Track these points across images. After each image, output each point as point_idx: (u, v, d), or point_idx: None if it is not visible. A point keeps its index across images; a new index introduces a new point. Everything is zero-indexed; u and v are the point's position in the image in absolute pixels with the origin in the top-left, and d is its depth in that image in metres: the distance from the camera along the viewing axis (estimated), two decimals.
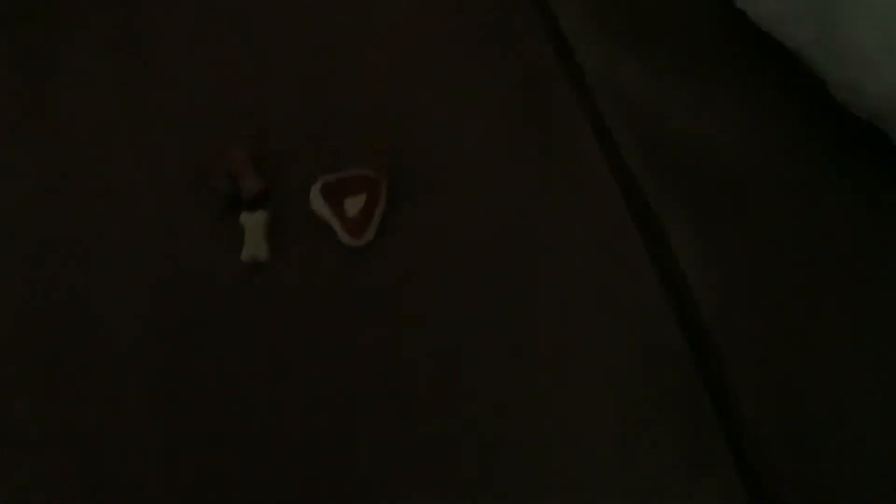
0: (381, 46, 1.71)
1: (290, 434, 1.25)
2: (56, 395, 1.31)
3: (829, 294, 1.26)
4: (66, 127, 1.63)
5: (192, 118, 1.61)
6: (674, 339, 1.29)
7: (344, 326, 1.34)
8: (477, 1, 1.75)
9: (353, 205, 1.39)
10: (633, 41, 1.58)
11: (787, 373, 1.20)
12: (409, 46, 1.70)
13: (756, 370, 1.22)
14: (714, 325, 1.28)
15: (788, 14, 1.39)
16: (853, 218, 1.32)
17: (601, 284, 1.36)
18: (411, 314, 1.35)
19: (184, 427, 1.27)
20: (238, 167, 1.47)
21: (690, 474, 1.19)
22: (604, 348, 1.30)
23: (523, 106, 1.59)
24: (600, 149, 1.52)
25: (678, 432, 1.22)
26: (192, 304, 1.38)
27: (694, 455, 1.20)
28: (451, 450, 1.23)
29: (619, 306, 1.34)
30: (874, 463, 1.12)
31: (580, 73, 1.59)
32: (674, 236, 1.36)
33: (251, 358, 1.33)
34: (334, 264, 1.40)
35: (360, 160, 1.47)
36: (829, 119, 1.39)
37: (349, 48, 1.71)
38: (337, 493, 1.21)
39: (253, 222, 1.42)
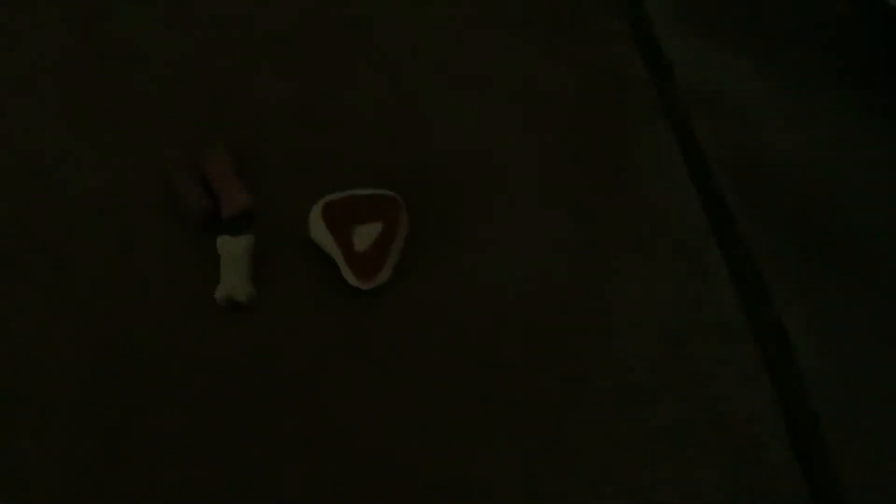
0: (404, 29, 1.38)
1: None
2: None
3: None
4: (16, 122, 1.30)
5: (161, 114, 1.28)
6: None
7: (343, 395, 1.03)
8: None
9: (365, 235, 1.07)
10: (729, 37, 1.26)
11: None
12: (441, 29, 1.36)
13: None
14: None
15: None
16: None
17: (679, 370, 1.04)
18: (430, 387, 1.03)
19: None
20: (217, 177, 1.15)
21: None
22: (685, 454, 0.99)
23: (590, 114, 1.26)
24: (688, 173, 1.20)
25: None
26: (149, 355, 1.06)
27: None
28: None
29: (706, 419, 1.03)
30: None
31: (667, 72, 1.27)
32: (779, 296, 1.06)
33: (220, 429, 1.01)
34: (335, 313, 1.09)
35: (374, 178, 1.14)
36: None
37: (362, 30, 1.38)
38: None
39: (232, 250, 1.10)
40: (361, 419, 1.02)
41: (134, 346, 1.07)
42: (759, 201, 1.18)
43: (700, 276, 1.12)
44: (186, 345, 1.07)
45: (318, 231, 1.09)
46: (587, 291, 1.11)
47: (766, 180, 1.20)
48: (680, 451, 1.00)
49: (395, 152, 1.22)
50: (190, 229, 1.14)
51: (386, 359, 1.05)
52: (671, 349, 1.07)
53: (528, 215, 1.16)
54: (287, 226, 1.14)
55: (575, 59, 1.33)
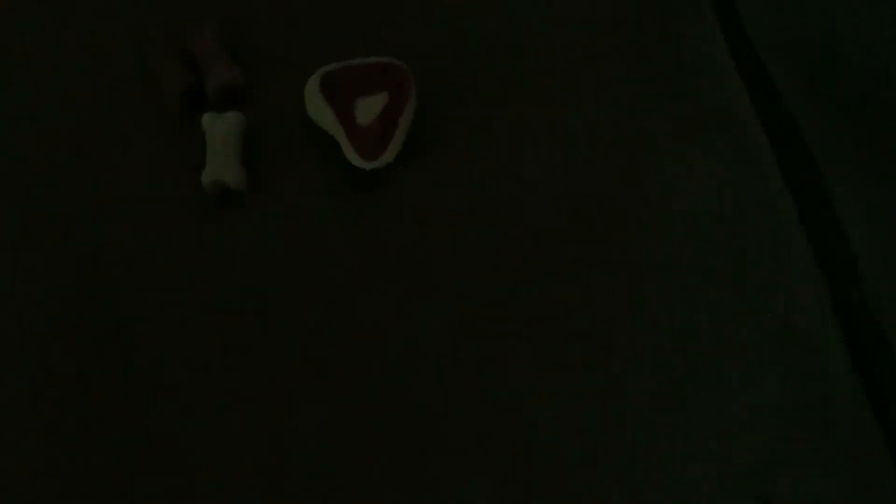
0: None
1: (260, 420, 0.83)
2: None
3: None
4: None
5: None
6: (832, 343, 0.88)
7: (345, 292, 0.91)
8: None
9: (369, 108, 0.94)
10: None
11: None
12: None
13: None
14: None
15: None
16: None
17: (727, 268, 0.92)
18: (439, 277, 0.92)
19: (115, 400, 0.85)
20: (202, 53, 1.02)
21: None
22: (730, 357, 0.88)
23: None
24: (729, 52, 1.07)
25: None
26: (130, 247, 0.94)
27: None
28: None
29: (757, 301, 0.90)
30: None
31: None
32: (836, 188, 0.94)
33: (209, 328, 0.90)
34: (335, 197, 0.96)
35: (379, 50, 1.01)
36: None
37: None
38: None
39: (219, 129, 0.98)
40: (368, 318, 0.90)
41: (117, 243, 0.95)
42: (810, 82, 1.05)
43: (746, 165, 0.99)
44: (172, 241, 0.95)
45: (316, 105, 0.96)
46: (621, 185, 0.97)
47: (818, 59, 1.07)
48: (729, 351, 0.89)
49: (408, 27, 1.07)
50: (174, 115, 1.01)
51: (391, 254, 0.93)
52: (716, 245, 0.95)
53: (558, 104, 1.03)
54: (281, 104, 1.01)
55: None
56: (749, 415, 0.85)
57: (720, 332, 0.89)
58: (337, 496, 0.80)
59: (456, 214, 0.95)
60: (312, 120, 0.98)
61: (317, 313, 0.91)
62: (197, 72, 1.02)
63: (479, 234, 0.94)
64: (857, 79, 1.06)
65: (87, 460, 0.83)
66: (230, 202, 0.96)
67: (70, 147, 1.00)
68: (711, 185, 0.97)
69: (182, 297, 0.93)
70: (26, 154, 1.01)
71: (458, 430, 0.83)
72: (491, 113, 1.01)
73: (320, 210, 0.96)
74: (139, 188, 0.97)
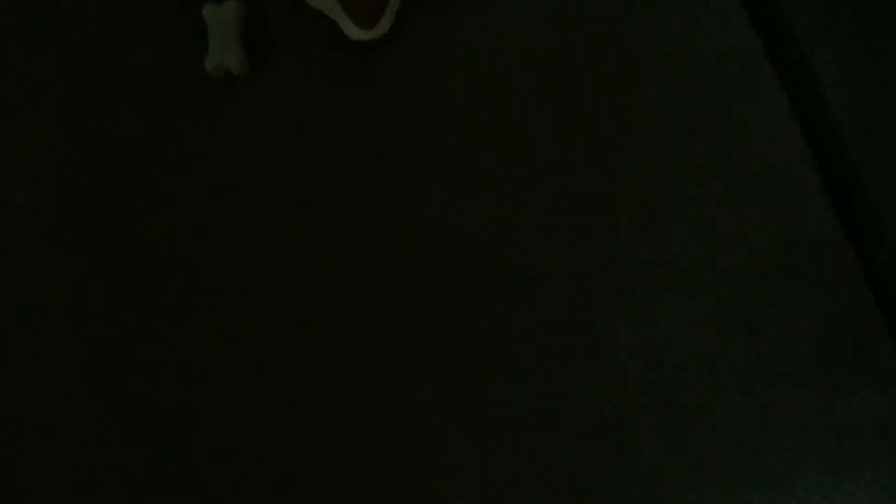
0: None
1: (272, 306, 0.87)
2: None
3: None
4: None
5: None
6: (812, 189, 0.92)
7: (347, 157, 0.95)
8: None
9: None
10: None
11: None
12: None
13: None
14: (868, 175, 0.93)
15: None
16: None
17: (708, 113, 0.95)
18: (442, 144, 0.95)
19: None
20: None
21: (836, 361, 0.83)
22: (719, 222, 0.92)
23: None
24: None
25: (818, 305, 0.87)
26: (136, 134, 0.98)
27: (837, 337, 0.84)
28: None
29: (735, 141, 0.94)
30: None
31: None
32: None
33: (217, 209, 0.94)
34: (334, 73, 0.99)
35: None
36: None
37: None
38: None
39: (221, 17, 1.00)
40: (376, 195, 0.94)
41: (126, 127, 0.99)
42: None
43: (719, 21, 1.02)
44: (180, 122, 0.99)
45: None
46: (607, 44, 1.01)
47: None
48: (713, 191, 0.93)
49: None
50: (177, 6, 1.04)
51: (388, 121, 0.97)
52: (697, 92, 0.98)
53: None
54: None
55: None
56: (734, 248, 0.90)
57: (705, 173, 0.93)
58: None
59: (449, 79, 0.98)
60: (308, 3, 1.01)
61: (321, 185, 0.95)
62: None
63: (471, 98, 0.97)
64: None
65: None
66: (233, 84, 1.00)
67: (78, 38, 1.04)
68: (690, 37, 1.00)
69: (194, 178, 0.97)
70: (32, 44, 1.05)
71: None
72: None
73: (321, 86, 0.99)
74: (147, 75, 1.00)
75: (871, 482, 0.80)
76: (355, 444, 0.84)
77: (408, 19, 0.99)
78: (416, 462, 0.83)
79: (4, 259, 0.95)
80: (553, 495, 0.82)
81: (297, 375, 0.87)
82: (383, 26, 0.96)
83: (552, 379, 0.85)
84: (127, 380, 0.88)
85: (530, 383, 0.85)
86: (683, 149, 0.94)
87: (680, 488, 0.81)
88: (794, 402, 0.84)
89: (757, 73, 0.98)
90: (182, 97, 1.00)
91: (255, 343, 0.89)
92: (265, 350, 0.88)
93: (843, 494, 0.80)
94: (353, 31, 0.96)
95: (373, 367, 0.86)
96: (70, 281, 0.93)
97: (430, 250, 0.91)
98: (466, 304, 0.88)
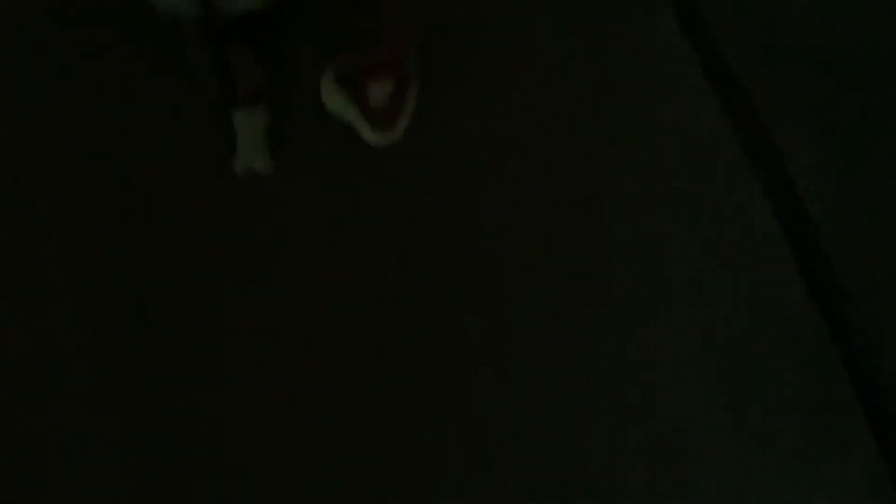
0: None
1: (291, 386, 0.95)
2: None
3: None
4: None
5: None
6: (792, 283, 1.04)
7: (365, 252, 1.06)
8: None
9: (378, 92, 1.08)
10: None
11: None
12: None
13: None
14: (840, 261, 1.05)
15: None
16: None
17: (693, 209, 1.06)
18: (456, 236, 1.07)
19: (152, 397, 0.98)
20: (234, 53, 1.15)
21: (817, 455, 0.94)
22: (702, 295, 1.04)
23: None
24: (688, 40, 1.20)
25: (800, 395, 0.98)
26: (174, 227, 1.08)
27: (818, 429, 0.96)
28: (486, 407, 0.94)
29: (720, 240, 1.06)
30: None
31: None
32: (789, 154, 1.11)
33: (246, 296, 1.05)
34: (353, 172, 1.11)
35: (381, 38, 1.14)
36: None
37: None
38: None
39: (248, 121, 1.11)
40: (385, 273, 1.04)
41: (162, 216, 1.09)
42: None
43: (693, 110, 1.13)
44: (210, 213, 1.09)
45: (332, 95, 1.10)
46: (598, 125, 1.12)
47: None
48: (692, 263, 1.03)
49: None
50: (211, 109, 1.15)
51: (401, 214, 1.08)
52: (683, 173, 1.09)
53: (543, 74, 1.17)
54: (298, 96, 1.14)
55: None
56: (718, 307, 1.00)
57: (690, 245, 1.04)
58: None
59: (452, 177, 1.10)
60: (328, 110, 1.12)
61: (337, 269, 1.05)
62: (229, 73, 1.15)
63: (469, 193, 1.09)
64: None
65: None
66: (259, 181, 1.10)
67: (125, 135, 1.14)
68: (672, 117, 1.11)
69: (223, 261, 1.07)
70: (85, 135, 1.14)
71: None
72: (476, 95, 1.15)
73: (338, 183, 1.10)
74: (182, 170, 1.11)
75: None
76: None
77: (418, 125, 1.10)
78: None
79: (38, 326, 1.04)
80: None
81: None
82: (397, 132, 1.07)
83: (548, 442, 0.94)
84: (160, 450, 0.96)
85: (526, 444, 0.94)
86: (666, 227, 1.05)
87: None
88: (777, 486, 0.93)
89: (731, 154, 1.09)
90: (211, 191, 1.10)
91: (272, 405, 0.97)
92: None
93: None
94: (370, 136, 1.08)
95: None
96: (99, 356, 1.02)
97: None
98: (464, 378, 0.97)
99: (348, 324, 1.03)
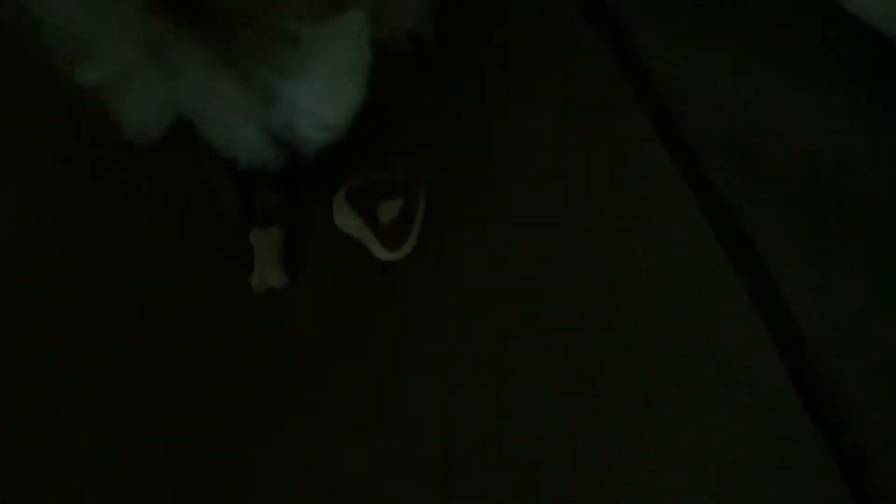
0: None
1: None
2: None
3: None
4: None
5: None
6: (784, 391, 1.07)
7: (379, 364, 1.11)
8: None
9: (389, 210, 1.15)
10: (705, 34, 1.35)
11: None
12: None
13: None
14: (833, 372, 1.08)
15: None
16: None
17: (690, 326, 1.12)
18: (464, 348, 1.11)
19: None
20: (257, 184, 1.23)
21: None
22: (698, 406, 1.07)
23: (587, 113, 1.33)
24: (674, 162, 1.26)
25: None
26: (189, 343, 1.13)
27: None
28: None
29: (712, 352, 1.10)
30: None
31: (646, 74, 1.35)
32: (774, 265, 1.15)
33: (264, 409, 1.09)
34: (362, 285, 1.17)
35: (391, 161, 1.23)
36: None
37: None
38: None
39: (264, 240, 1.18)
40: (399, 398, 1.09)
41: (178, 333, 1.14)
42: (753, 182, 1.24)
43: (689, 242, 1.19)
44: (226, 329, 1.14)
45: (344, 214, 1.16)
46: (601, 261, 1.17)
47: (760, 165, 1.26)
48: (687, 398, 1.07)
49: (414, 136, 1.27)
50: (229, 227, 1.21)
51: (412, 328, 1.12)
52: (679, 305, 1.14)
53: (544, 195, 1.23)
54: (311, 215, 1.21)
55: None
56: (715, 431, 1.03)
57: (684, 390, 1.08)
58: None
59: (457, 291, 1.15)
60: (340, 227, 1.18)
61: (348, 383, 1.10)
62: (247, 194, 1.22)
63: (472, 309, 1.14)
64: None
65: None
66: (275, 297, 1.16)
67: (147, 253, 1.21)
68: (673, 257, 1.17)
69: (238, 374, 1.12)
70: (109, 251, 1.21)
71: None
72: (480, 212, 1.21)
73: (351, 298, 1.15)
74: (201, 286, 1.17)
75: None
76: None
77: (426, 242, 1.17)
78: None
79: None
80: None
81: None
82: (406, 249, 1.14)
83: None
84: None
85: None
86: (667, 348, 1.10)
87: None
88: None
89: (725, 289, 1.14)
90: (229, 306, 1.16)
91: None
92: None
93: None
94: (381, 253, 1.14)
95: None
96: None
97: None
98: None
99: (362, 441, 1.07)
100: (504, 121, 1.25)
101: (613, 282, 1.15)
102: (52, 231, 1.23)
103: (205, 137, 1.00)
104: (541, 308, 1.13)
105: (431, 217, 1.17)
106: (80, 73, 0.89)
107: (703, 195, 1.22)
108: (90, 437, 1.08)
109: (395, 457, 1.04)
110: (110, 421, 1.08)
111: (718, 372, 1.09)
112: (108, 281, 1.19)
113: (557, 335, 1.12)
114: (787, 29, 1.33)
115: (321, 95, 0.95)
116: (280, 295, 1.16)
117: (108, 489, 1.04)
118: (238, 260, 1.17)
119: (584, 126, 1.27)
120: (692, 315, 1.12)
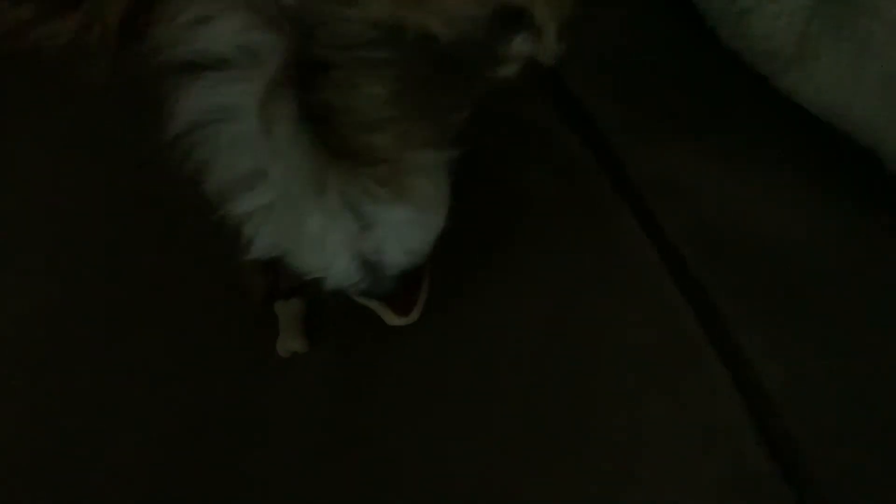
0: None
1: None
2: None
3: None
4: None
5: None
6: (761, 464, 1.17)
7: (384, 409, 1.26)
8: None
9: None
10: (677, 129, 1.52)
11: None
12: None
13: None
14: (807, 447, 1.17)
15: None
16: None
17: (667, 397, 1.24)
18: (460, 405, 1.26)
19: None
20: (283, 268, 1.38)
21: None
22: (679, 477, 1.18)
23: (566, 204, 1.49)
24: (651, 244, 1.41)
25: None
26: (216, 397, 1.30)
27: None
28: None
29: (692, 422, 1.21)
30: None
31: (620, 166, 1.52)
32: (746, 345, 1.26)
33: (277, 455, 1.24)
34: (375, 346, 1.32)
35: None
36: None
37: None
38: None
39: (288, 310, 1.33)
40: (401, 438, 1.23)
41: (211, 399, 1.29)
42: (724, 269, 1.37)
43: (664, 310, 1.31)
44: (252, 388, 1.29)
45: None
46: (582, 333, 1.31)
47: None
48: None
49: None
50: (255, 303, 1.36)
51: (421, 384, 1.27)
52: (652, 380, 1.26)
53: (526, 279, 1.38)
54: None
55: None
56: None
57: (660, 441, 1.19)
58: None
59: (458, 357, 1.29)
60: (354, 298, 1.33)
61: (363, 437, 1.24)
62: (272, 271, 1.38)
63: (471, 376, 1.27)
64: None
65: None
66: (298, 359, 1.31)
67: (182, 318, 1.36)
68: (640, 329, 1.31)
69: (261, 433, 1.26)
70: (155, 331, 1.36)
71: None
72: (482, 278, 1.36)
73: (364, 358, 1.30)
74: (230, 352, 1.32)
75: None
76: None
77: (431, 310, 1.31)
78: None
79: None
80: None
81: None
82: (414, 315, 1.29)
83: None
84: None
85: None
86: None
87: None
88: None
89: (697, 354, 1.27)
90: (256, 368, 1.31)
91: None
92: None
93: None
94: (391, 319, 1.29)
95: None
96: None
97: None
98: None
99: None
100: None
101: (596, 354, 1.28)
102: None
103: (290, 265, 1.05)
104: (530, 379, 1.27)
105: (436, 283, 1.32)
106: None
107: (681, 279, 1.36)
108: None
109: None
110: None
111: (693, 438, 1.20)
112: (143, 351, 1.34)
113: (543, 403, 1.25)
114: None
115: (412, 221, 1.01)
116: (302, 356, 1.31)
117: None
118: (267, 326, 1.32)
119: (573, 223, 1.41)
120: (668, 385, 1.24)
